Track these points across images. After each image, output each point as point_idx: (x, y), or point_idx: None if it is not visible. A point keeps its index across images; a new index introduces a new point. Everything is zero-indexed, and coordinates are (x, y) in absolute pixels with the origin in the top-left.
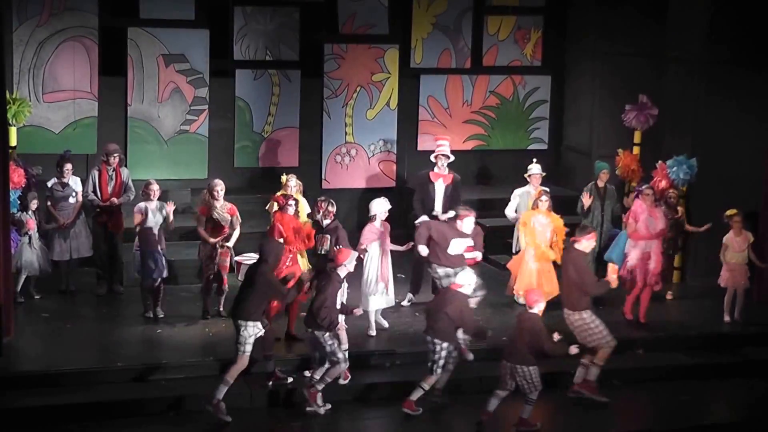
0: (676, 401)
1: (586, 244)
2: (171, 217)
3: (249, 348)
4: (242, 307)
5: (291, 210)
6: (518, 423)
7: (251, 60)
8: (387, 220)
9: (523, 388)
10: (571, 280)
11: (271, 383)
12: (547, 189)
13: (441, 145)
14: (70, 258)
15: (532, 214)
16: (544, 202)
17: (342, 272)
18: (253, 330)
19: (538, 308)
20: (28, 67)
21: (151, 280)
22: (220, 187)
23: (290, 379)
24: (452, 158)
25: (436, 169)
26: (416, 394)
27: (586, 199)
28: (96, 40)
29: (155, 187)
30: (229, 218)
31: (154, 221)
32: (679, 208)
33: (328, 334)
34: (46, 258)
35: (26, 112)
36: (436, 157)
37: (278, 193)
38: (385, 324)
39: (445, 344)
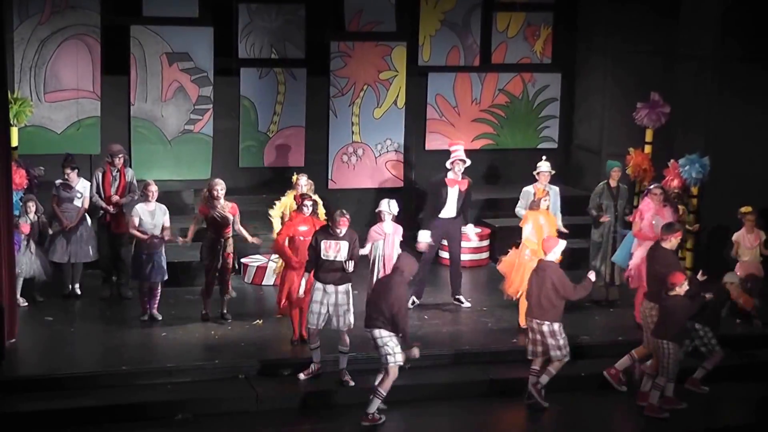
0: (689, 404)
1: (674, 242)
2: (167, 234)
3: (399, 357)
4: (374, 318)
5: (307, 211)
6: (663, 401)
7: (256, 58)
8: (397, 221)
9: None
10: (659, 275)
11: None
12: (556, 188)
13: (456, 150)
14: (68, 261)
15: (535, 215)
16: (546, 202)
17: (552, 259)
18: (389, 339)
19: None
20: (29, 66)
21: (148, 282)
22: (220, 186)
23: (352, 383)
24: (468, 162)
25: (451, 175)
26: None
27: (605, 219)
28: (98, 38)
29: (154, 188)
30: (231, 218)
31: (153, 223)
32: (680, 207)
33: (558, 325)
34: (43, 261)
35: (28, 112)
36: (453, 162)
37: (292, 192)
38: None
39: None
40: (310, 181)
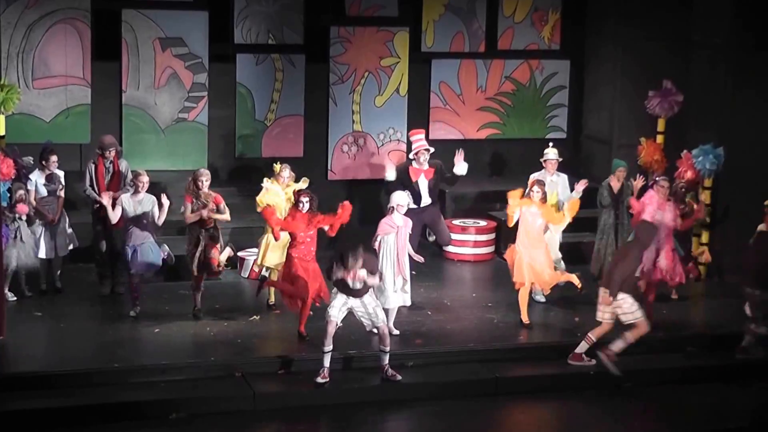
0: (701, 404)
1: None
2: (160, 214)
3: (638, 315)
4: (613, 280)
5: (304, 207)
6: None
7: (253, 44)
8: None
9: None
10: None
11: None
12: (564, 176)
13: (419, 139)
14: (55, 255)
15: (525, 203)
16: (536, 193)
17: None
18: (626, 301)
19: None
20: (16, 52)
21: (136, 275)
22: (205, 177)
23: (399, 377)
24: (432, 150)
25: (415, 164)
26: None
27: (615, 183)
28: (88, 22)
29: (144, 179)
30: (214, 208)
31: (137, 215)
32: (688, 200)
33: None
34: (35, 254)
35: (15, 99)
36: (417, 153)
37: (272, 181)
38: (395, 331)
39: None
40: (292, 173)
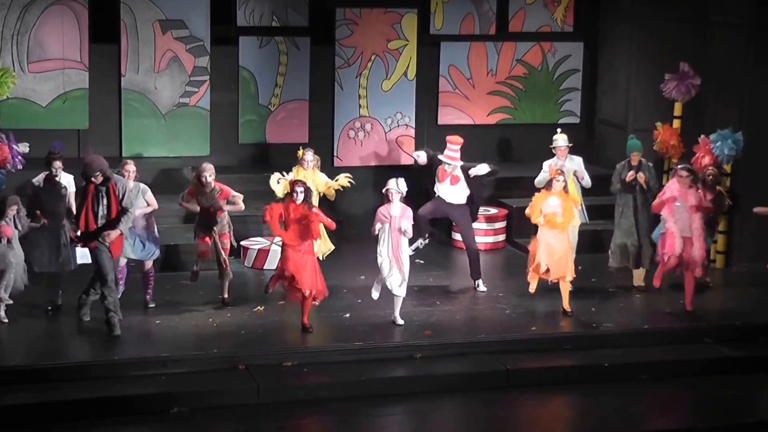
0: (719, 397)
1: None
2: (151, 204)
3: None
4: None
5: (299, 198)
6: None
7: (256, 26)
8: (406, 202)
9: None
10: None
11: None
12: (579, 158)
13: (453, 150)
14: (56, 270)
15: (544, 198)
16: (560, 182)
17: None
18: None
19: None
20: (11, 34)
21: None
22: (209, 173)
23: None
24: (460, 164)
25: (446, 167)
26: None
27: (631, 176)
28: (86, 3)
29: (131, 168)
30: (221, 203)
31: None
32: (718, 188)
33: None
34: (23, 272)
35: (10, 83)
36: (447, 157)
37: (290, 174)
38: (400, 321)
39: None
40: (316, 156)
